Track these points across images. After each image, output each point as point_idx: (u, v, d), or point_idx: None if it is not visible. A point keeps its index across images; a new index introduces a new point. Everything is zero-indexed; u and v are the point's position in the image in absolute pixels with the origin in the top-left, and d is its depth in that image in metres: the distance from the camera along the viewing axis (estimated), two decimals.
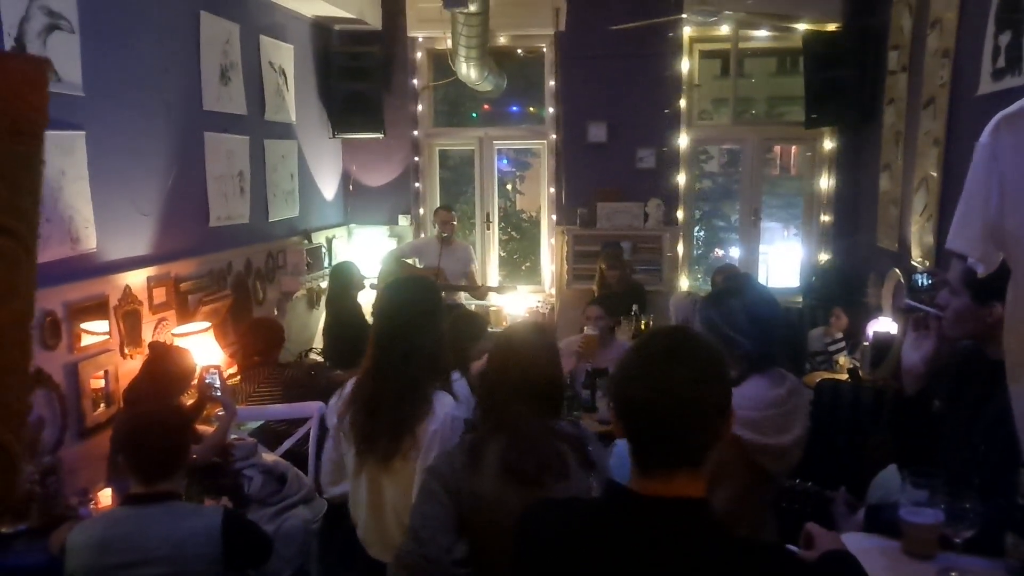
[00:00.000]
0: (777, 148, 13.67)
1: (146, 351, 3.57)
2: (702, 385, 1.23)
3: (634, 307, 5.44)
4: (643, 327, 5.41)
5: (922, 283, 3.99)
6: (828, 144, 6.36)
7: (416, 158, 6.88)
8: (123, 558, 2.14)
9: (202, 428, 3.32)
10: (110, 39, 3.68)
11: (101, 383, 3.53)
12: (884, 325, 4.63)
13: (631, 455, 1.28)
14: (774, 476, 2.19)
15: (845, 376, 4.45)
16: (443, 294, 3.16)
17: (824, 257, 6.45)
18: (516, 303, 6.76)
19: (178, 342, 3.90)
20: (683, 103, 6.44)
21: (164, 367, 2.33)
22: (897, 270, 4.80)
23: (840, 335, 5.18)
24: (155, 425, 2.27)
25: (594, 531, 1.29)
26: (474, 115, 9.34)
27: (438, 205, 6.33)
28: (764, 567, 1.22)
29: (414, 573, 1.86)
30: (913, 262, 4.54)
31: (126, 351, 3.69)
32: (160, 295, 3.99)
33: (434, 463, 1.96)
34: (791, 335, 4.88)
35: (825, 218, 6.44)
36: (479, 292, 6.19)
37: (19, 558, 2.29)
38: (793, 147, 13.29)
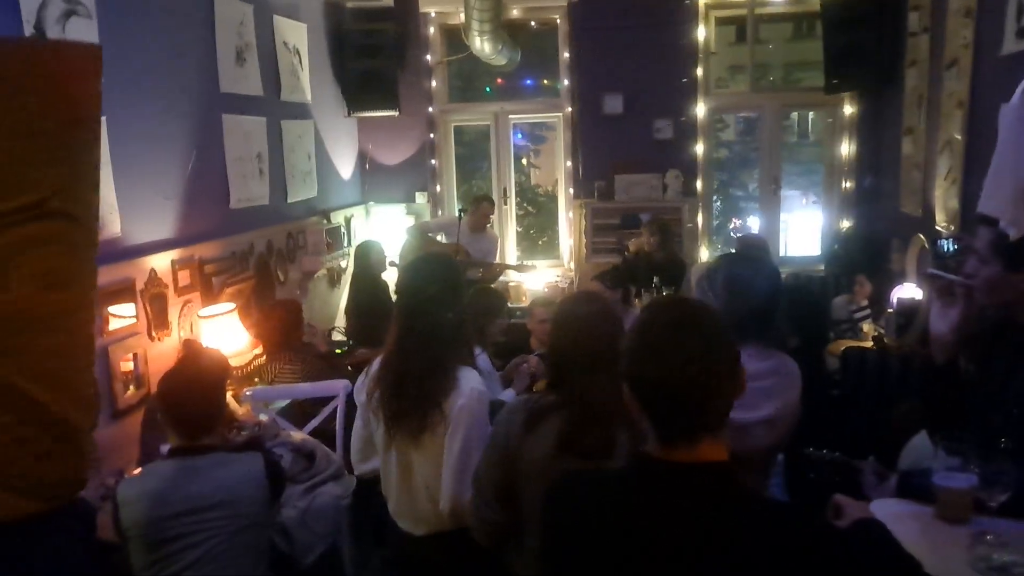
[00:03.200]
0: (794, 115, 13.51)
1: (179, 346, 3.61)
2: (710, 354, 1.24)
3: (655, 279, 5.44)
4: None
5: (947, 249, 3.96)
6: (848, 109, 6.27)
7: (432, 135, 6.86)
8: (180, 507, 2.19)
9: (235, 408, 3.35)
10: (127, 24, 3.68)
11: (130, 365, 3.58)
12: (909, 291, 4.59)
13: (650, 427, 1.28)
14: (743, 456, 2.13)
15: (870, 344, 4.43)
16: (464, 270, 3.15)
17: (846, 224, 6.39)
18: (535, 278, 6.75)
19: (204, 324, 3.94)
20: (699, 71, 6.36)
21: (198, 367, 2.38)
22: (921, 235, 4.75)
23: (865, 302, 5.15)
24: (195, 383, 2.32)
25: (622, 499, 1.30)
26: (488, 90, 9.30)
27: (480, 195, 6.26)
28: (796, 531, 1.23)
29: (475, 526, 2.00)
30: (937, 227, 4.49)
31: (154, 334, 3.73)
32: (185, 278, 4.02)
33: (497, 421, 2.00)
34: (797, 308, 4.83)
35: (847, 184, 6.37)
36: (498, 271, 6.19)
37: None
38: (811, 113, 13.15)
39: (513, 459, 1.89)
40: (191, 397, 2.31)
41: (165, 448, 2.46)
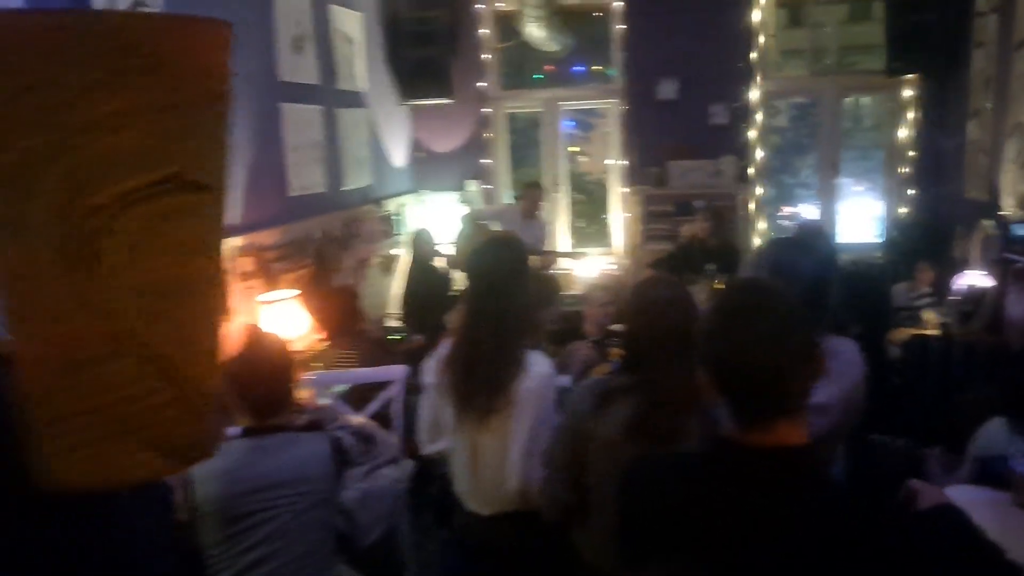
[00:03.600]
0: (849, 100, 13.19)
1: (242, 331, 3.68)
2: (787, 337, 1.23)
3: (709, 265, 5.39)
4: (715, 286, 5.37)
5: (1019, 233, 3.86)
6: (909, 92, 6.11)
7: (485, 122, 6.87)
8: (253, 485, 2.24)
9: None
10: (191, 6, 3.76)
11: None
12: (973, 279, 4.48)
13: (728, 411, 1.28)
14: None
15: (933, 331, 4.33)
16: None
17: (905, 210, 6.24)
18: (586, 266, 6.74)
19: (265, 310, 4.02)
20: (755, 55, 6.26)
21: (265, 350, 2.44)
22: (987, 221, 4.63)
23: (926, 290, 5.04)
24: (263, 366, 2.36)
25: (699, 482, 1.30)
26: (538, 76, 9.27)
27: (529, 181, 6.25)
28: (874, 515, 1.22)
29: (546, 503, 2.03)
30: (1004, 212, 4.37)
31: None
32: (246, 264, 4.11)
33: (573, 395, 2.02)
34: (857, 296, 4.74)
35: (907, 170, 6.21)
36: (549, 259, 6.19)
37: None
38: (867, 98, 12.82)
39: (583, 439, 1.90)
40: (260, 379, 2.35)
41: (231, 431, 2.53)
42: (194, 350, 0.86)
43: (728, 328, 1.26)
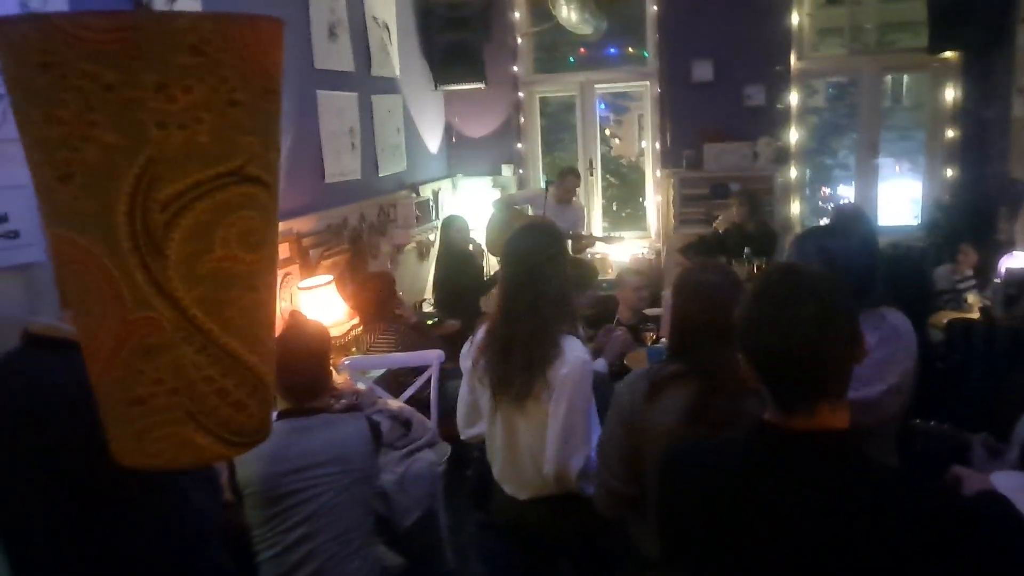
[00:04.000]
0: (888, 78, 12.94)
1: (285, 316, 3.74)
2: (827, 322, 1.22)
3: (746, 250, 5.35)
4: (755, 270, 5.32)
5: None
6: (951, 70, 5.98)
7: (517, 107, 6.86)
8: (294, 464, 2.29)
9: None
10: (227, 3, 3.80)
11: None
12: (1018, 261, 4.39)
13: (770, 396, 1.28)
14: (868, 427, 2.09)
15: (976, 315, 4.26)
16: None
17: (948, 191, 6.12)
18: (621, 250, 6.72)
19: (304, 295, 4.07)
20: (793, 34, 6.16)
21: (305, 335, 2.48)
22: None
23: (969, 272, 4.94)
24: (303, 350, 2.41)
25: (741, 468, 1.30)
26: (572, 60, 9.23)
27: (565, 167, 6.19)
28: (919, 499, 1.21)
29: (600, 498, 2.01)
30: None
31: None
32: (284, 251, 4.16)
33: (619, 390, 1.99)
34: (898, 279, 4.67)
35: (949, 150, 6.09)
36: (586, 243, 6.19)
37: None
38: (905, 76, 12.56)
39: (638, 430, 1.89)
40: (300, 363, 2.40)
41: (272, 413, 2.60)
42: (253, 339, 0.89)
43: (767, 314, 1.26)
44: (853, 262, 2.01)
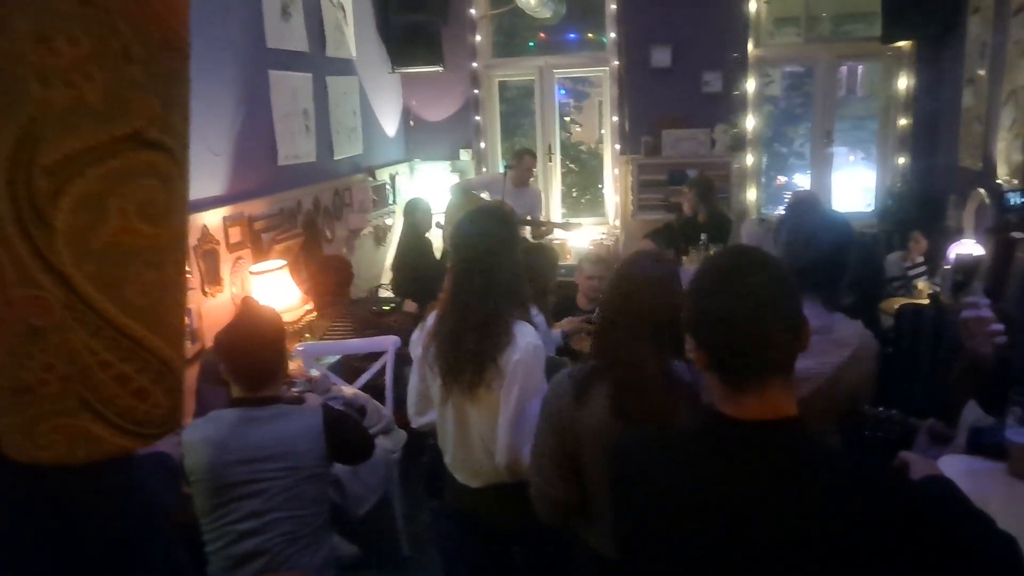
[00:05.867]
0: (843, 68, 13.06)
1: (238, 302, 3.64)
2: (778, 289, 1.23)
3: (703, 236, 5.37)
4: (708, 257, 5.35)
5: (1014, 202, 3.83)
6: (904, 60, 6.05)
7: (476, 91, 6.79)
8: (241, 456, 2.24)
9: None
10: None
11: (185, 321, 3.64)
12: (967, 248, 4.46)
13: (717, 374, 1.26)
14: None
15: (925, 301, 4.32)
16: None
17: (899, 180, 6.20)
18: (580, 236, 6.71)
19: (255, 280, 3.98)
20: (750, 22, 6.18)
21: (260, 321, 2.41)
22: (981, 190, 4.60)
23: (920, 259, 5.03)
24: (257, 336, 2.35)
25: (692, 460, 1.28)
26: (531, 44, 9.14)
27: (521, 148, 6.09)
28: (872, 485, 1.21)
29: (540, 506, 1.96)
30: (998, 181, 4.34)
31: (207, 290, 3.78)
32: (236, 234, 4.06)
33: (546, 395, 1.95)
34: (861, 261, 4.73)
35: (901, 138, 6.16)
36: (545, 229, 6.14)
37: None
38: (859, 67, 12.71)
39: (569, 433, 1.86)
40: (254, 349, 2.35)
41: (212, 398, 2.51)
42: (157, 321, 0.82)
43: (717, 283, 1.26)
44: (828, 245, 2.01)
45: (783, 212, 5.03)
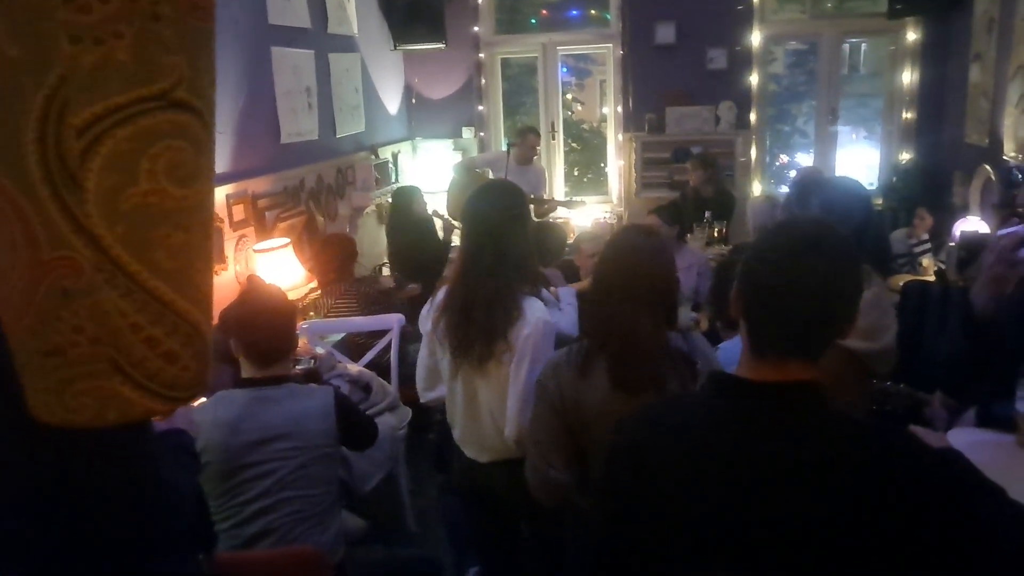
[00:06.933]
0: (846, 46, 12.95)
1: (243, 280, 3.64)
2: (835, 282, 1.19)
3: (706, 214, 5.36)
4: (715, 234, 5.34)
5: (1020, 178, 3.81)
6: (911, 35, 6.00)
7: (478, 68, 6.75)
8: (252, 436, 2.23)
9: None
10: None
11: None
12: (972, 224, 4.45)
13: (746, 336, 1.25)
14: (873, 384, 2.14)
15: (930, 278, 4.32)
16: None
17: (905, 156, 6.18)
18: (582, 215, 6.68)
19: (260, 258, 3.98)
20: None
21: (269, 298, 2.40)
22: (987, 166, 4.58)
23: (925, 236, 5.01)
24: (269, 311, 2.34)
25: (703, 421, 1.27)
26: (533, 21, 9.09)
27: (524, 126, 6.06)
28: (887, 448, 1.20)
29: (539, 488, 1.96)
30: (1005, 157, 4.32)
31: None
32: (239, 212, 4.05)
33: (541, 377, 1.96)
34: (876, 233, 4.73)
35: (907, 115, 6.13)
36: (548, 207, 6.12)
37: None
38: (863, 44, 12.61)
39: (572, 413, 1.87)
40: (268, 326, 2.34)
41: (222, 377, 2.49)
42: (186, 283, 0.82)
43: (783, 257, 1.21)
44: (858, 219, 2.01)
45: (788, 189, 5.02)
